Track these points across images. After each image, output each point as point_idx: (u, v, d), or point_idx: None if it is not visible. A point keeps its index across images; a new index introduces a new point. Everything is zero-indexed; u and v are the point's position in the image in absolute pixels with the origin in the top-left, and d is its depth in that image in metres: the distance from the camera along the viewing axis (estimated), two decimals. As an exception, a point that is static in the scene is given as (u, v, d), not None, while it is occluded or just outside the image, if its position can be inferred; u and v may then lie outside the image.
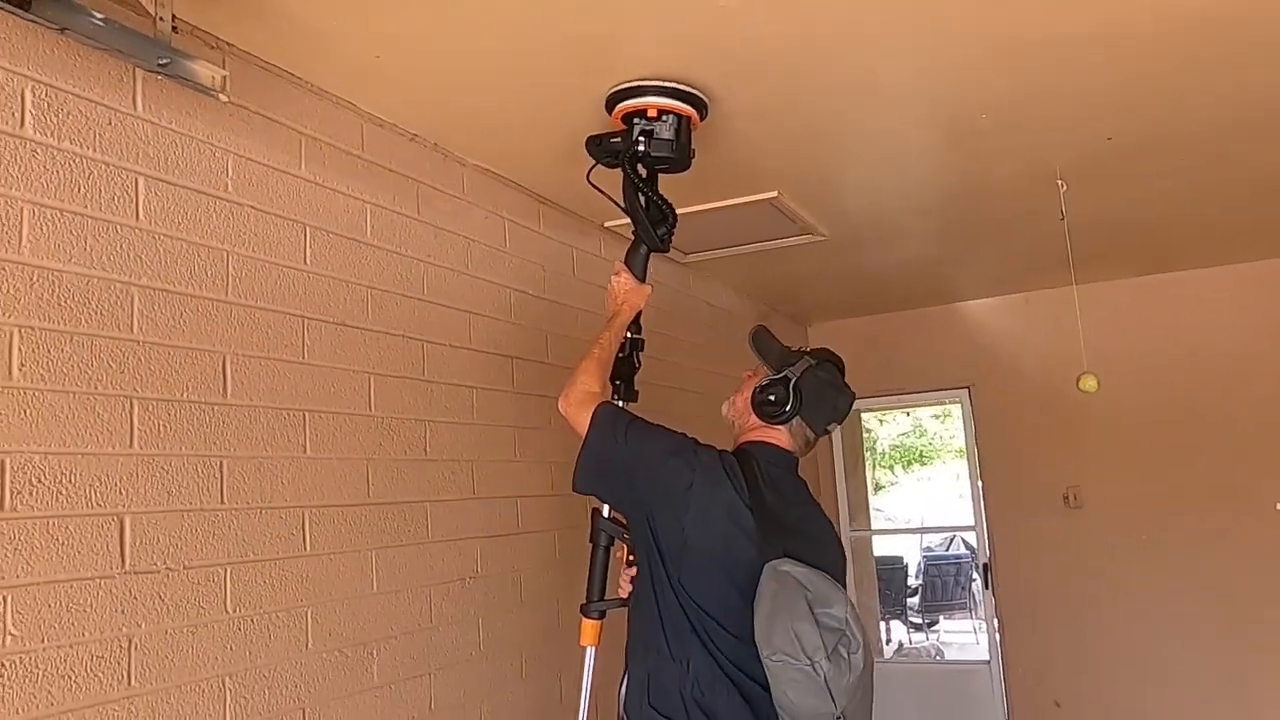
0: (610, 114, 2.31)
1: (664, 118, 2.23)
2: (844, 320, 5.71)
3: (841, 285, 4.82)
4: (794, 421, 2.06)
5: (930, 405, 11.45)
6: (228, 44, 1.96)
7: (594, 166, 2.35)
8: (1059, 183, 3.12)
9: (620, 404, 2.23)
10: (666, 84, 2.21)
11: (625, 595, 2.15)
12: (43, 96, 1.61)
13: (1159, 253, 4.52)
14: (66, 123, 1.65)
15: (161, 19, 1.66)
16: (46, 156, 1.61)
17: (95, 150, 1.69)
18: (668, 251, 2.41)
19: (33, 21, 1.49)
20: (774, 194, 3.07)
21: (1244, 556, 4.66)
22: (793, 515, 2.00)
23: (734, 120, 2.47)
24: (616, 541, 2.21)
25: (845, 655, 1.73)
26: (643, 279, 2.31)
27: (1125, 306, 4.94)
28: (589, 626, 2.23)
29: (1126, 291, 4.96)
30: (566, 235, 3.18)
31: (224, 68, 1.89)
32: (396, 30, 1.95)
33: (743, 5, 1.90)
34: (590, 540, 2.24)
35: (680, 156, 2.27)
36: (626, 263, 2.31)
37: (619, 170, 2.30)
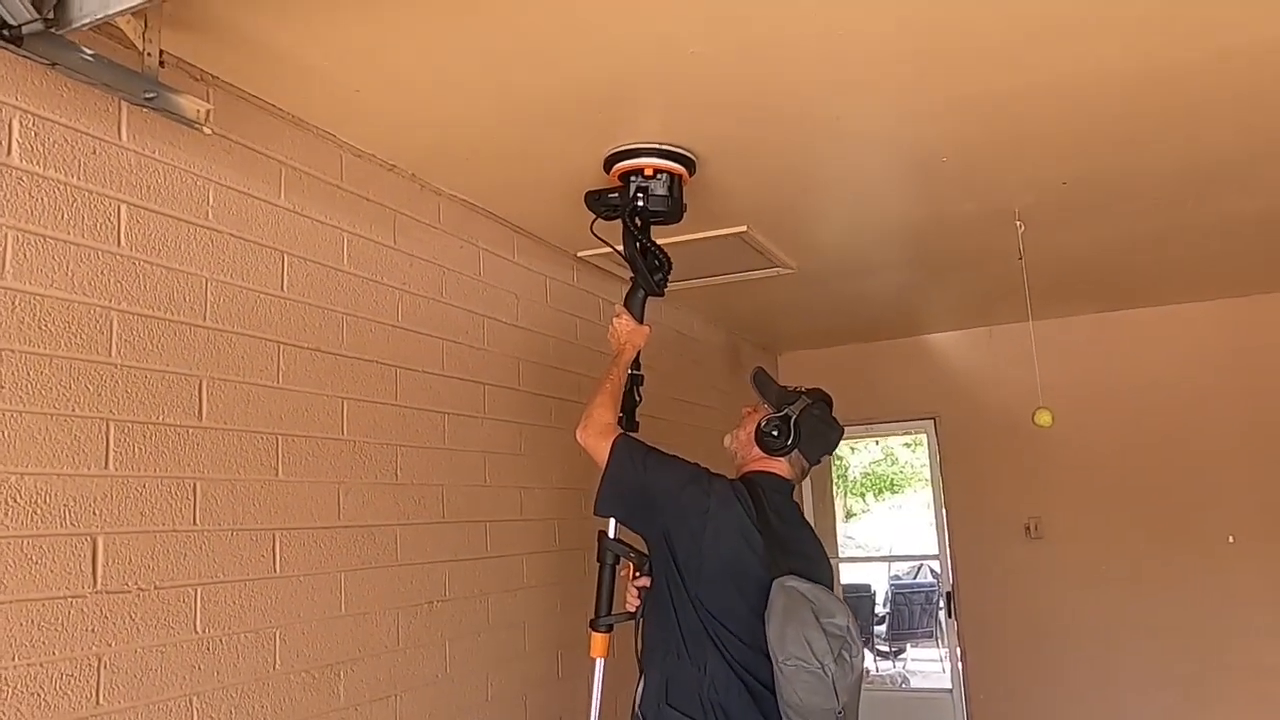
0: (608, 173, 2.50)
1: (659, 176, 2.45)
2: (813, 350, 5.81)
3: (810, 316, 4.92)
4: (793, 453, 2.33)
5: (897, 435, 11.60)
6: (212, 76, 2.01)
7: (595, 220, 2.55)
8: (1017, 224, 3.24)
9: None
10: (662, 146, 2.42)
11: (632, 609, 2.34)
12: (30, 126, 1.66)
13: (1115, 292, 4.67)
14: (52, 151, 1.69)
15: (149, 54, 1.71)
16: (32, 184, 1.66)
17: (79, 178, 1.73)
18: (663, 296, 2.62)
19: (25, 57, 1.54)
20: (743, 228, 3.15)
21: (1199, 588, 4.78)
22: (792, 536, 2.24)
23: (703, 156, 2.56)
24: (621, 560, 2.38)
25: (848, 658, 1.98)
26: (641, 320, 2.53)
27: (1084, 343, 5.09)
28: (598, 640, 2.38)
29: (1085, 328, 5.11)
30: (540, 264, 3.25)
31: (207, 99, 1.95)
32: (378, 64, 2.01)
33: (714, 53, 1.99)
34: (598, 559, 2.39)
35: (674, 210, 2.49)
36: (626, 306, 2.53)
37: (601, 218, 2.54)
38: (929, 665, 8.83)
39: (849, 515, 15.18)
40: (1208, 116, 2.47)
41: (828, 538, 6.14)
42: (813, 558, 2.27)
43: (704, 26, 1.87)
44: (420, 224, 2.66)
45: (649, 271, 2.51)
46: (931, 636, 8.98)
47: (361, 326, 2.40)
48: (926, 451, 5.74)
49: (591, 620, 2.39)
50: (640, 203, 2.45)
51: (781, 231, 3.32)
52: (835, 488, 7.11)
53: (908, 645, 9.00)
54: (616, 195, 2.50)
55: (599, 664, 2.40)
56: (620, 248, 2.54)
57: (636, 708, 2.22)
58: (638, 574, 2.35)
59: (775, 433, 2.30)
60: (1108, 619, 4.95)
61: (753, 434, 2.35)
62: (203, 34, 1.84)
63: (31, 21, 1.45)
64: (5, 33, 1.44)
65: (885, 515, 15.72)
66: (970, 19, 1.90)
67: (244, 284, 2.07)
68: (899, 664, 8.78)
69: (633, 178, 2.46)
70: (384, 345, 2.47)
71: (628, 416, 2.49)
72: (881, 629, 8.99)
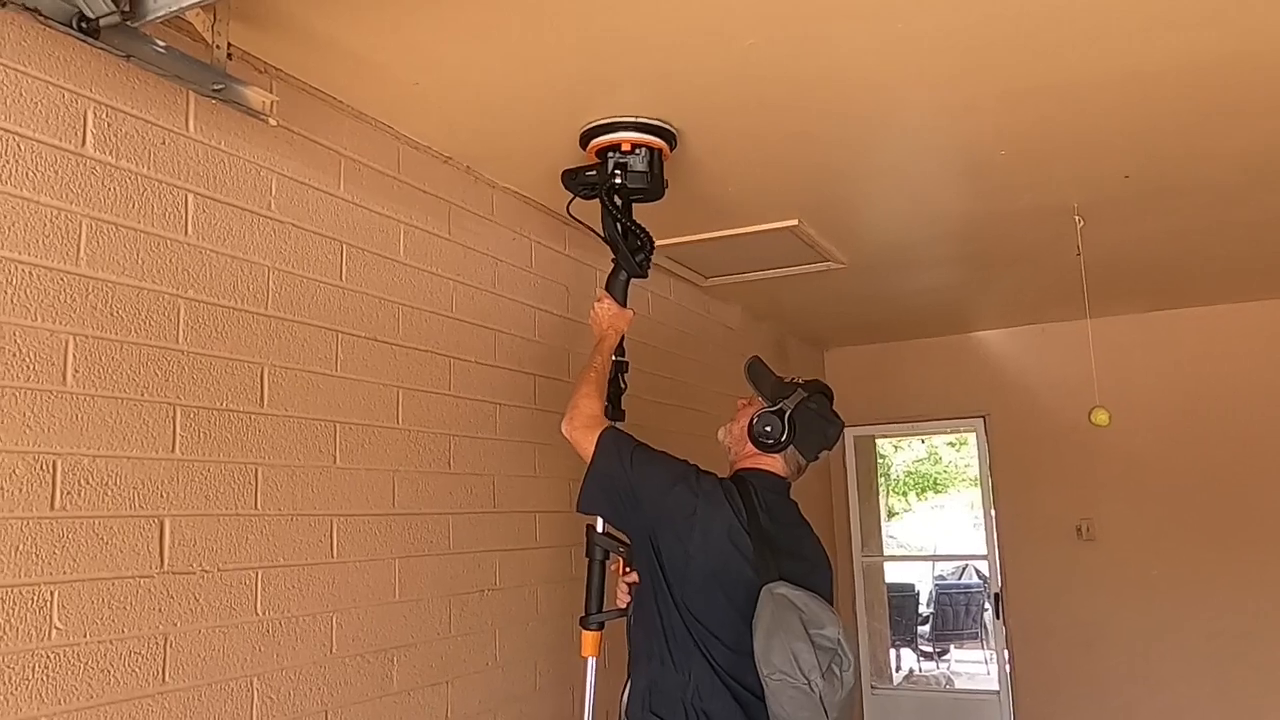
0: (585, 149, 2.41)
1: (637, 151, 2.33)
2: (861, 346, 5.76)
3: (859, 312, 4.87)
4: (788, 450, 2.20)
5: (946, 433, 11.46)
6: (275, 68, 2.04)
7: (573, 199, 2.47)
8: (1076, 218, 3.17)
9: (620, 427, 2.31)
10: (639, 119, 2.31)
11: (624, 605, 2.26)
12: (103, 117, 1.70)
13: (1174, 289, 4.56)
14: (124, 142, 1.73)
15: (218, 46, 1.75)
16: (105, 174, 1.70)
17: (150, 169, 1.77)
18: (646, 277, 2.51)
19: (101, 49, 1.58)
20: (794, 222, 3.13)
21: (1256, 593, 4.66)
22: (786, 538, 2.13)
23: (755, 150, 2.55)
24: (611, 555, 2.31)
25: (838, 673, 1.87)
26: (623, 304, 2.43)
27: (1140, 341, 4.98)
28: (589, 638, 2.31)
29: (1141, 326, 4.99)
30: (589, 256, 3.26)
31: (272, 92, 1.98)
32: (435, 59, 2.03)
33: (767, 46, 1.97)
34: (586, 555, 2.33)
35: (654, 187, 2.38)
36: (608, 289, 2.43)
37: (579, 197, 2.45)
38: (974, 667, 8.72)
39: (891, 514, 15.02)
40: (1272, 108, 2.40)
41: (872, 536, 6.07)
42: (809, 559, 2.15)
43: (758, 22, 1.86)
44: (474, 216, 2.68)
45: (631, 252, 2.39)
46: (976, 638, 8.87)
47: (416, 316, 2.43)
48: (972, 450, 5.67)
49: (581, 618, 2.30)
50: (619, 179, 2.33)
51: (832, 226, 3.29)
52: (880, 486, 7.03)
53: (951, 646, 8.89)
54: (594, 172, 2.39)
55: (590, 663, 2.31)
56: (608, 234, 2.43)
57: (622, 715, 2.15)
58: (628, 569, 2.26)
59: (769, 428, 2.17)
60: (1162, 624, 4.84)
61: (746, 428, 2.22)
62: (267, 27, 1.87)
63: (109, 14, 1.48)
64: (84, 25, 1.48)
65: (927, 515, 15.53)
66: (1028, 11, 1.87)
67: (304, 273, 2.10)
68: (943, 665, 8.68)
69: (610, 154, 2.35)
70: (438, 335, 2.50)
71: (613, 405, 2.39)
72: (925, 629, 8.90)
